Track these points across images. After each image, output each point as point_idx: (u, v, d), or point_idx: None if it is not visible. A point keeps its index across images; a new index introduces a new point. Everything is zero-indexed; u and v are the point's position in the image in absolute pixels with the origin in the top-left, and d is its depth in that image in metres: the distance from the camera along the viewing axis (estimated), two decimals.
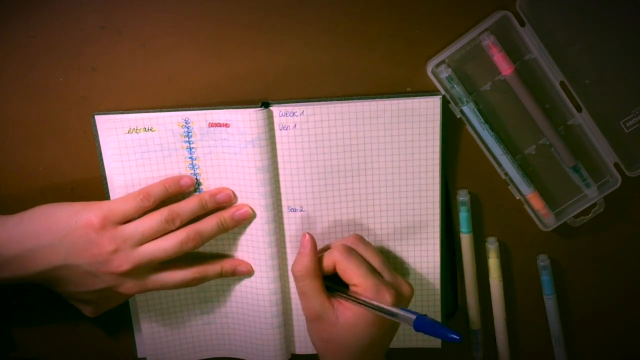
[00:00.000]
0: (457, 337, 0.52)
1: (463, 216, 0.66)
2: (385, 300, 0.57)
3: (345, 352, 0.59)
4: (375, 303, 0.57)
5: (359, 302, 0.58)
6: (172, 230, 0.60)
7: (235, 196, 0.63)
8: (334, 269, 0.60)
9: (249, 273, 0.65)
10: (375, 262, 0.61)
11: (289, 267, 0.66)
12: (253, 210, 0.63)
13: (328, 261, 0.60)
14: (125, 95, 0.63)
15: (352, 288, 0.59)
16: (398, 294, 0.59)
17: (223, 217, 0.62)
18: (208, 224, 0.62)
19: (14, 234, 0.58)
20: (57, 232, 0.58)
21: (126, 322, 0.69)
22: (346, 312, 0.58)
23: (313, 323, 0.60)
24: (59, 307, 0.66)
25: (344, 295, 0.59)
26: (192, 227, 0.61)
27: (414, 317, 0.55)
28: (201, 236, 0.61)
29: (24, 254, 0.58)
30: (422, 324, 0.54)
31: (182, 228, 0.61)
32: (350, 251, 0.60)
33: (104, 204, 0.60)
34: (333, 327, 0.59)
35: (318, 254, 0.61)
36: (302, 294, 0.60)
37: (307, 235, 0.60)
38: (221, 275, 0.64)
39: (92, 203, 0.60)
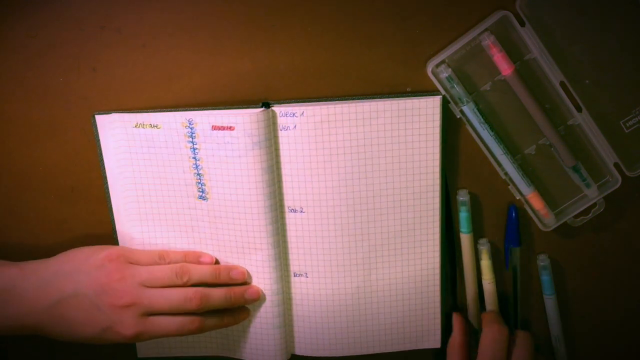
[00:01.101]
0: None
1: (463, 216, 0.66)
2: None
3: None
4: None
5: None
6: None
7: (249, 275, 0.65)
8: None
9: (260, 296, 0.65)
10: None
11: (290, 268, 0.66)
12: (263, 293, 0.65)
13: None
14: (125, 95, 0.63)
15: None
16: None
17: (233, 292, 0.64)
18: (216, 293, 0.63)
19: (41, 266, 0.60)
20: (77, 261, 0.60)
21: None
22: None
23: None
24: None
25: None
26: (200, 289, 0.62)
27: None
28: (207, 300, 0.62)
29: (41, 284, 0.59)
30: None
31: (191, 287, 0.61)
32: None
33: (125, 247, 0.64)
34: None
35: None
36: None
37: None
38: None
39: (114, 246, 0.63)
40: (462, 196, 0.65)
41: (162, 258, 0.63)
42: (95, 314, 0.59)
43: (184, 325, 0.61)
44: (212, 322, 0.63)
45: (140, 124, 0.62)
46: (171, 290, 0.61)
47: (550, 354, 0.71)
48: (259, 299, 0.65)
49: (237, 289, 0.64)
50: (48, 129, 0.64)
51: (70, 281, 0.59)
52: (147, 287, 0.60)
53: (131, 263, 0.61)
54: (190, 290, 0.61)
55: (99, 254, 0.60)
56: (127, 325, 0.59)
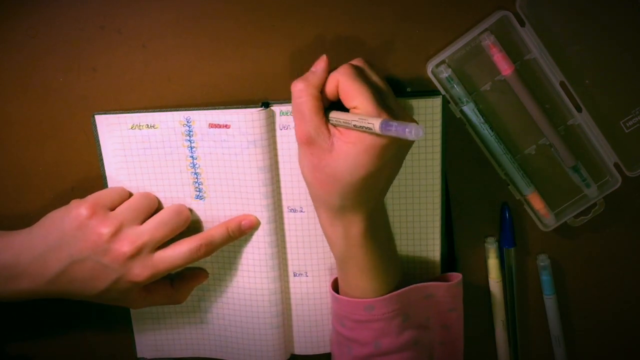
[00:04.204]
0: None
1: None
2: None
3: (336, 183, 0.54)
4: (369, 119, 0.51)
5: (354, 127, 0.52)
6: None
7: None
8: (337, 94, 0.54)
9: (255, 225, 0.64)
10: (381, 86, 0.55)
11: (289, 268, 0.66)
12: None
13: (331, 83, 0.54)
14: (125, 95, 0.63)
15: (352, 110, 0.53)
16: (402, 116, 0.55)
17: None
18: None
19: (25, 243, 0.59)
20: (56, 231, 0.58)
21: (126, 322, 0.69)
22: (342, 138, 0.52)
23: (304, 147, 0.54)
24: (59, 307, 0.66)
25: (342, 123, 0.53)
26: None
27: (411, 126, 0.47)
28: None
29: (36, 261, 0.58)
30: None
31: (194, 236, 0.61)
32: (356, 71, 0.53)
33: (89, 196, 0.61)
34: (326, 154, 0.53)
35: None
36: (297, 112, 0.54)
37: (325, 57, 0.54)
38: (229, 236, 0.62)
39: (80, 199, 0.60)
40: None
41: (124, 190, 0.63)
42: (102, 271, 0.58)
43: (192, 253, 0.60)
44: (219, 239, 0.62)
45: (136, 125, 0.62)
46: (177, 244, 0.60)
47: (550, 354, 0.71)
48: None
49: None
50: (48, 129, 0.64)
51: (62, 252, 0.58)
52: (141, 223, 0.60)
53: (107, 208, 0.60)
54: (195, 240, 0.60)
55: (70, 213, 0.58)
56: (137, 273, 0.59)
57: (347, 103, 0.53)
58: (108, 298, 0.60)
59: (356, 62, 0.56)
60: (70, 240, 0.58)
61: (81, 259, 0.58)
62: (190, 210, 0.64)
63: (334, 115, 0.54)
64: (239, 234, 0.63)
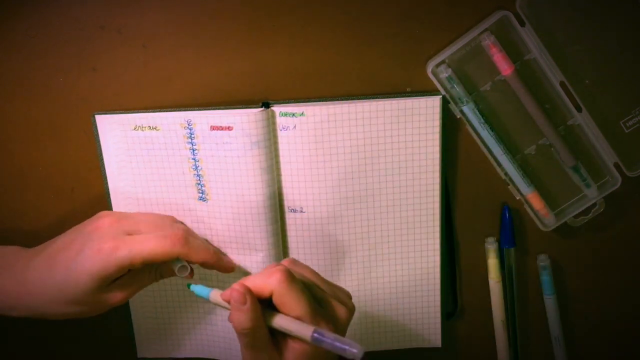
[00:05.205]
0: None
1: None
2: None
3: None
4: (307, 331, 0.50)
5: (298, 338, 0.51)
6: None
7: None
8: (269, 294, 0.52)
9: (230, 269, 0.63)
10: (313, 281, 0.55)
11: None
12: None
13: (265, 288, 0.51)
14: (125, 95, 0.63)
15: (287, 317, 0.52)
16: (334, 322, 0.53)
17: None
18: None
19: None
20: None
21: (126, 322, 0.69)
22: (289, 353, 0.52)
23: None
24: None
25: (285, 331, 0.52)
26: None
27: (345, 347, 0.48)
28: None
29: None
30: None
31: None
32: (291, 280, 0.51)
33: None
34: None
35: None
36: (248, 347, 0.52)
37: (243, 287, 0.51)
38: (209, 253, 0.61)
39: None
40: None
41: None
42: (75, 238, 0.58)
43: (165, 240, 0.57)
44: (196, 246, 0.59)
45: (139, 126, 0.62)
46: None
47: (550, 354, 0.71)
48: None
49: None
50: (48, 129, 0.64)
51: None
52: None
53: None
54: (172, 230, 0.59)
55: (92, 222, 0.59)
56: (105, 239, 0.56)
57: (282, 311, 0.52)
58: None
59: (286, 262, 0.55)
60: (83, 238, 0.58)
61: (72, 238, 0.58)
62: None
63: (275, 323, 0.52)
64: (214, 261, 0.61)
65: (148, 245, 0.56)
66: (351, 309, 0.55)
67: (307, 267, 0.56)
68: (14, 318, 0.58)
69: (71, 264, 0.56)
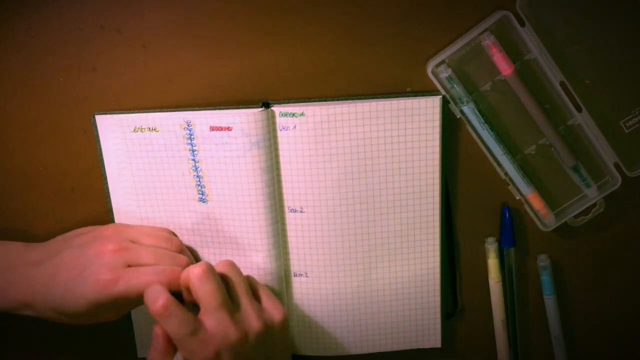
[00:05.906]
0: None
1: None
2: (228, 339, 0.54)
3: None
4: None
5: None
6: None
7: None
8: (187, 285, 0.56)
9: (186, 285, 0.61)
10: (241, 288, 0.57)
11: (291, 268, 0.66)
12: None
13: (184, 279, 0.56)
14: (125, 95, 0.63)
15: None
16: (247, 332, 0.56)
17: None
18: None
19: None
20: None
21: (126, 322, 0.69)
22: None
23: None
24: None
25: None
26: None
27: None
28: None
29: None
30: None
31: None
32: (209, 276, 0.55)
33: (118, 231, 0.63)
34: None
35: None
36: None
37: (159, 331, 0.55)
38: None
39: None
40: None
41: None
42: (77, 259, 0.58)
43: (163, 276, 0.57)
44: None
45: (138, 127, 0.62)
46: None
47: (550, 354, 0.71)
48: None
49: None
50: (48, 129, 0.64)
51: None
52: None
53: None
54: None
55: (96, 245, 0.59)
56: (104, 271, 0.57)
57: (196, 298, 0.56)
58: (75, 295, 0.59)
59: (221, 265, 0.59)
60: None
61: (76, 255, 0.59)
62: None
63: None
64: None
65: (145, 279, 0.57)
66: (268, 326, 0.58)
67: (240, 274, 0.59)
68: (13, 318, 0.58)
69: (71, 285, 0.57)
